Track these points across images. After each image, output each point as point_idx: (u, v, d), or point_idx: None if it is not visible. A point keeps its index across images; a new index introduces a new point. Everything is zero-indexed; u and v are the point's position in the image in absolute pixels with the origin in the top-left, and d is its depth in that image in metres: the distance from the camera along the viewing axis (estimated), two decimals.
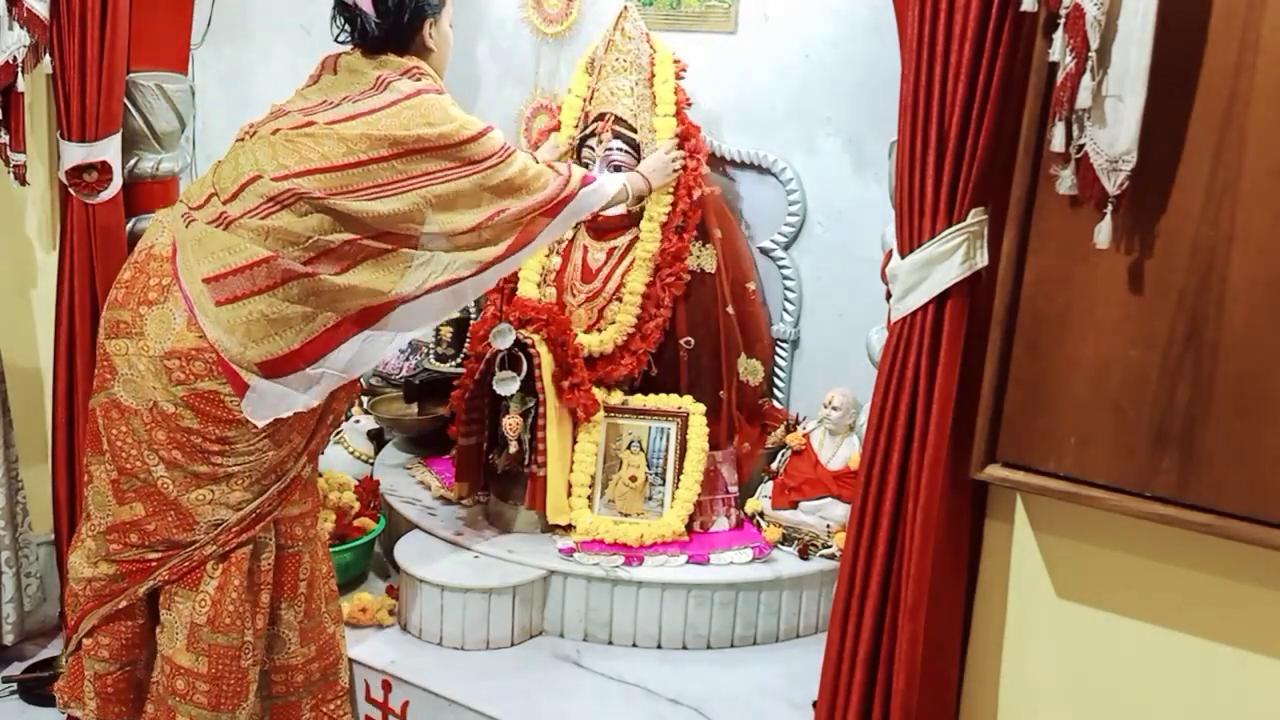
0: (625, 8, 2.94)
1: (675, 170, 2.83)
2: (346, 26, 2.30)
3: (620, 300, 2.90)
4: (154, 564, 2.16)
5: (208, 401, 2.08)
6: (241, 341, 2.07)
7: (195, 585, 2.16)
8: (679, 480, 2.80)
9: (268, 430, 2.13)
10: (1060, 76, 1.60)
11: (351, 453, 3.24)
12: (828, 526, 2.72)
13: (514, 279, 2.97)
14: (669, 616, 2.61)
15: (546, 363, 2.68)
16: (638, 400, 2.86)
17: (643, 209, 2.90)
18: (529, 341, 2.67)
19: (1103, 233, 1.63)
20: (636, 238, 2.91)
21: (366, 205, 2.12)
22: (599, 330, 2.91)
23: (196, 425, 2.09)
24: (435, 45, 2.34)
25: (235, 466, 2.13)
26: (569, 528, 2.75)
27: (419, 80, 2.25)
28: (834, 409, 2.79)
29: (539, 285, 2.97)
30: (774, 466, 2.89)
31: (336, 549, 2.74)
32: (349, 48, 2.32)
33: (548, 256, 3.01)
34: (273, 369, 2.10)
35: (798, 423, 2.98)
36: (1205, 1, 1.58)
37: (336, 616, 2.43)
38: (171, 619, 2.19)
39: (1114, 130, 1.59)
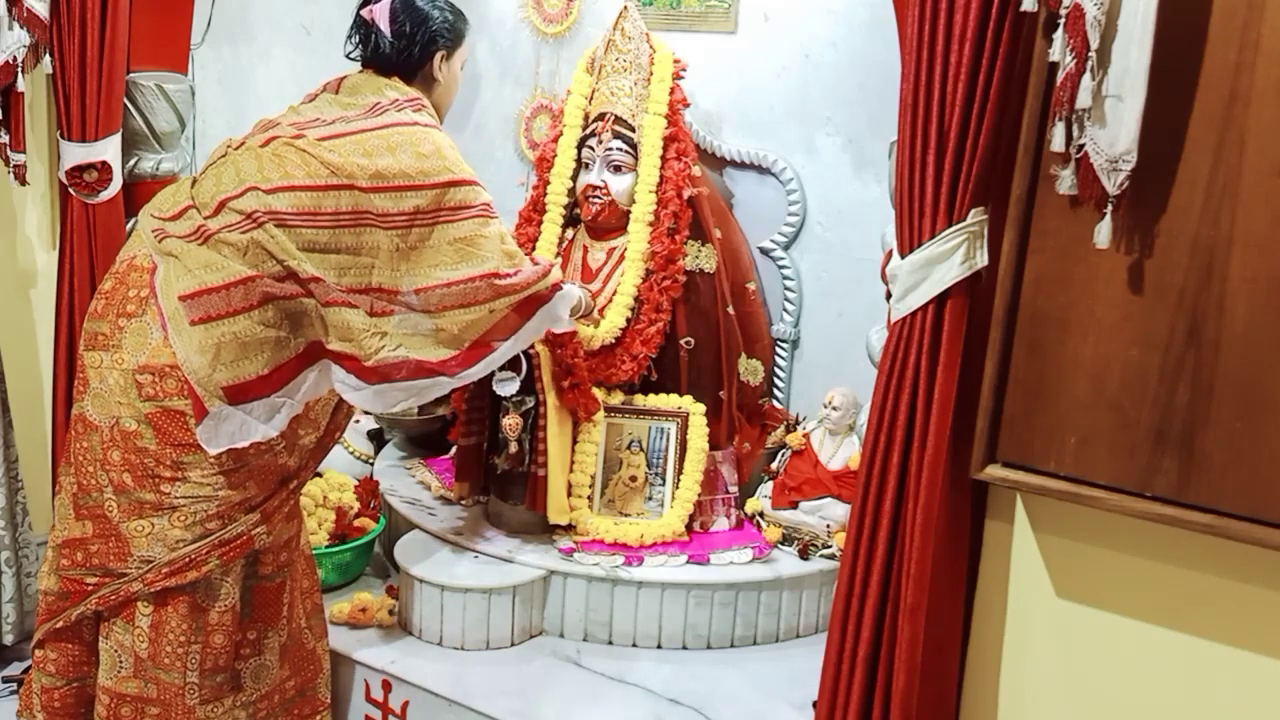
0: (625, 8, 2.94)
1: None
2: (360, 44, 2.30)
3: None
4: (90, 589, 2.12)
5: (173, 421, 2.04)
6: (211, 363, 2.03)
7: (131, 619, 2.11)
8: (679, 480, 2.80)
9: (226, 466, 2.07)
10: (1060, 76, 1.60)
11: (351, 453, 3.24)
12: (828, 526, 2.72)
13: None
14: (669, 616, 2.61)
15: (546, 363, 2.68)
16: (638, 400, 2.86)
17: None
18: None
19: (1103, 233, 1.63)
20: None
21: (333, 235, 2.08)
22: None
23: (154, 446, 2.04)
24: (443, 80, 2.34)
25: (182, 499, 2.06)
26: (569, 528, 2.75)
27: (418, 113, 2.23)
28: (834, 409, 2.79)
29: None
30: (774, 466, 2.89)
31: (337, 549, 2.74)
32: (357, 69, 2.32)
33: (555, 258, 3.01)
34: (238, 394, 2.04)
35: (798, 423, 2.98)
36: (1205, 1, 1.58)
37: (320, 632, 2.40)
38: (110, 648, 2.13)
39: (1114, 130, 1.59)
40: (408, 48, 2.27)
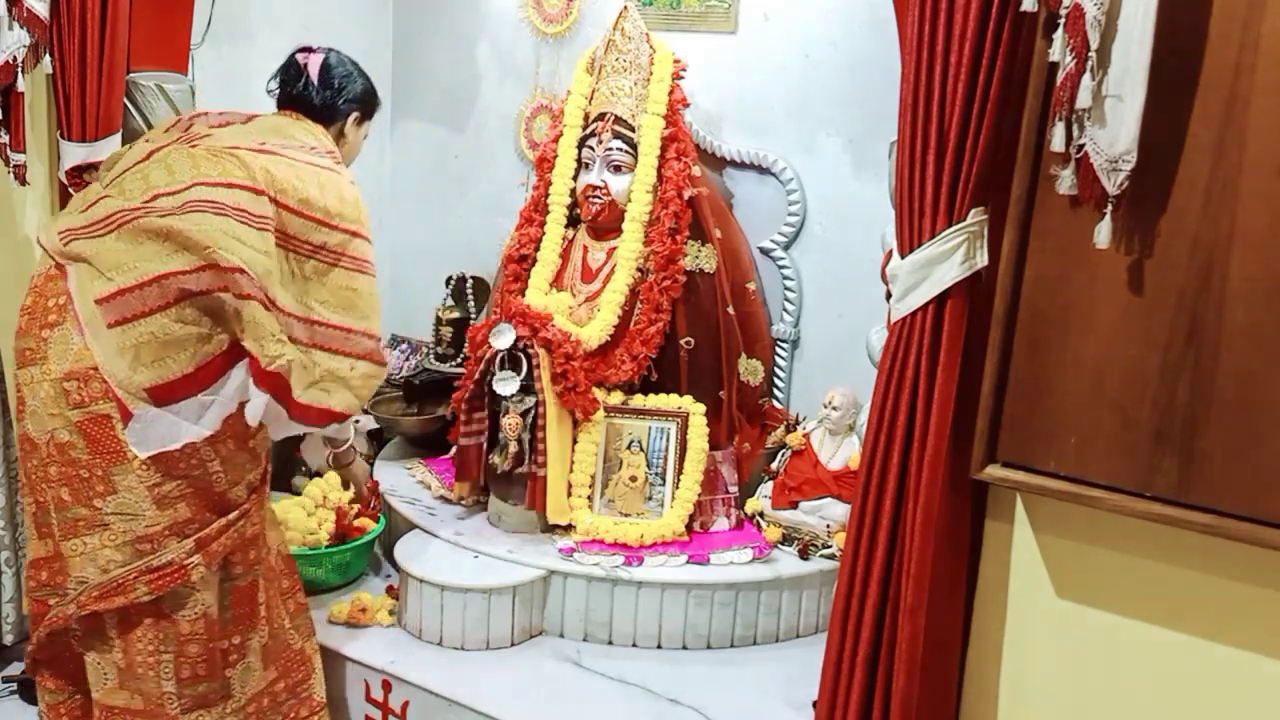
0: (625, 8, 2.94)
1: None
2: (284, 84, 2.42)
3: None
4: (50, 609, 2.13)
5: (101, 427, 2.03)
6: (131, 365, 2.01)
7: (103, 632, 2.11)
8: (679, 480, 2.80)
9: (153, 480, 2.06)
10: (1060, 76, 1.60)
11: None
12: (828, 526, 2.72)
13: (522, 287, 2.97)
14: (669, 616, 2.61)
15: (546, 363, 2.68)
16: (638, 400, 2.86)
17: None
18: (528, 342, 2.67)
19: (1103, 233, 1.63)
20: None
21: (259, 237, 2.09)
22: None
23: (86, 457, 2.04)
24: (350, 140, 2.48)
25: (112, 514, 2.05)
26: (569, 528, 2.75)
27: (339, 165, 2.34)
28: (834, 409, 2.79)
29: (546, 293, 2.96)
30: (774, 466, 2.89)
31: (337, 549, 2.74)
32: (275, 110, 2.42)
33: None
34: (163, 394, 2.03)
35: (798, 423, 2.98)
36: (1205, 1, 1.58)
37: (306, 632, 2.40)
38: (93, 661, 2.14)
39: (1114, 130, 1.59)
40: (332, 100, 2.41)
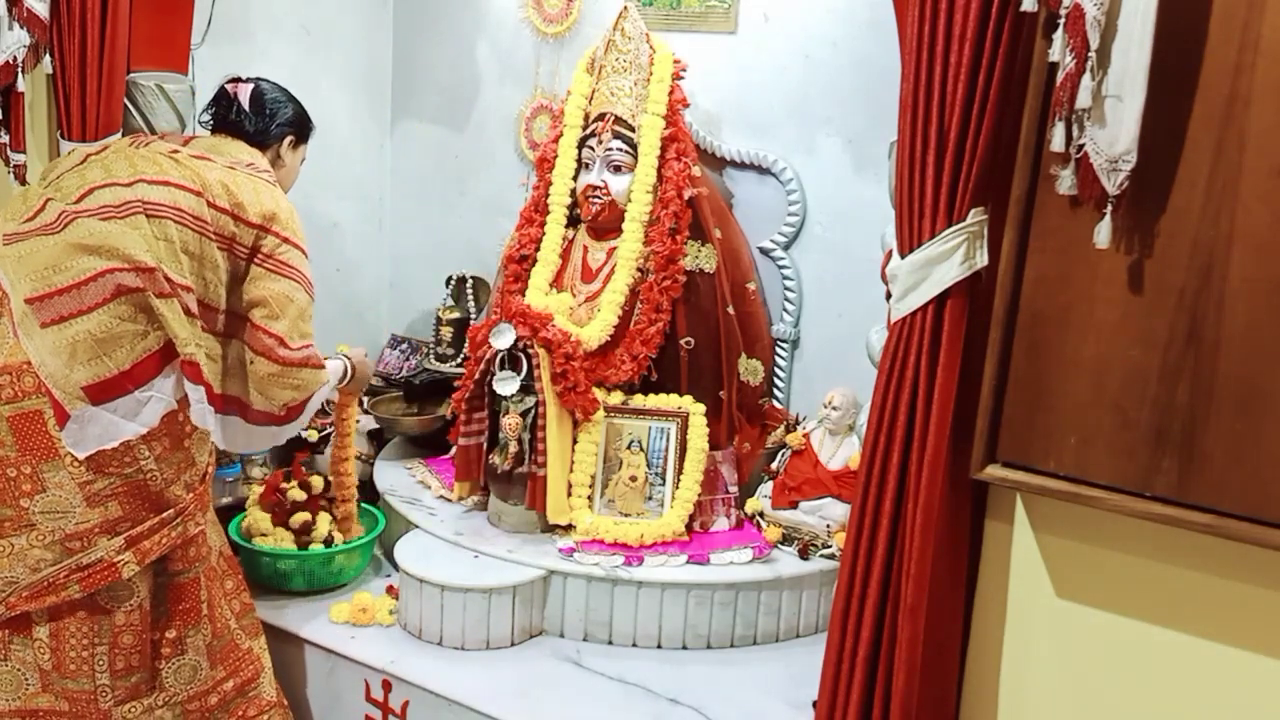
0: (625, 8, 2.94)
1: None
2: (217, 113, 2.46)
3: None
4: None
5: (31, 423, 2.02)
6: (68, 363, 2.02)
7: (28, 633, 2.09)
8: (679, 480, 2.80)
9: (83, 478, 2.05)
10: (1060, 76, 1.60)
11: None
12: (828, 526, 2.72)
13: (522, 287, 2.97)
14: (669, 616, 2.61)
15: (546, 363, 2.68)
16: (638, 400, 2.86)
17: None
18: (528, 342, 2.67)
19: (1103, 233, 1.63)
20: None
21: (192, 238, 2.15)
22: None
23: (14, 455, 2.03)
24: (286, 164, 2.53)
25: (40, 514, 2.04)
26: (569, 528, 2.75)
27: (273, 182, 2.38)
28: (834, 409, 2.79)
29: (546, 294, 2.96)
30: (774, 466, 2.89)
31: (337, 549, 2.74)
32: (218, 136, 2.46)
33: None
34: (100, 393, 2.03)
35: (798, 423, 2.98)
36: (1205, 1, 1.58)
37: (253, 631, 2.41)
38: (12, 668, 2.11)
39: (1114, 130, 1.59)
40: (265, 125, 2.46)
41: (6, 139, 2.52)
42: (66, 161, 2.30)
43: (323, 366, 2.35)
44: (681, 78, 2.95)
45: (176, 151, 2.26)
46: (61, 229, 2.09)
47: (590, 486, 2.79)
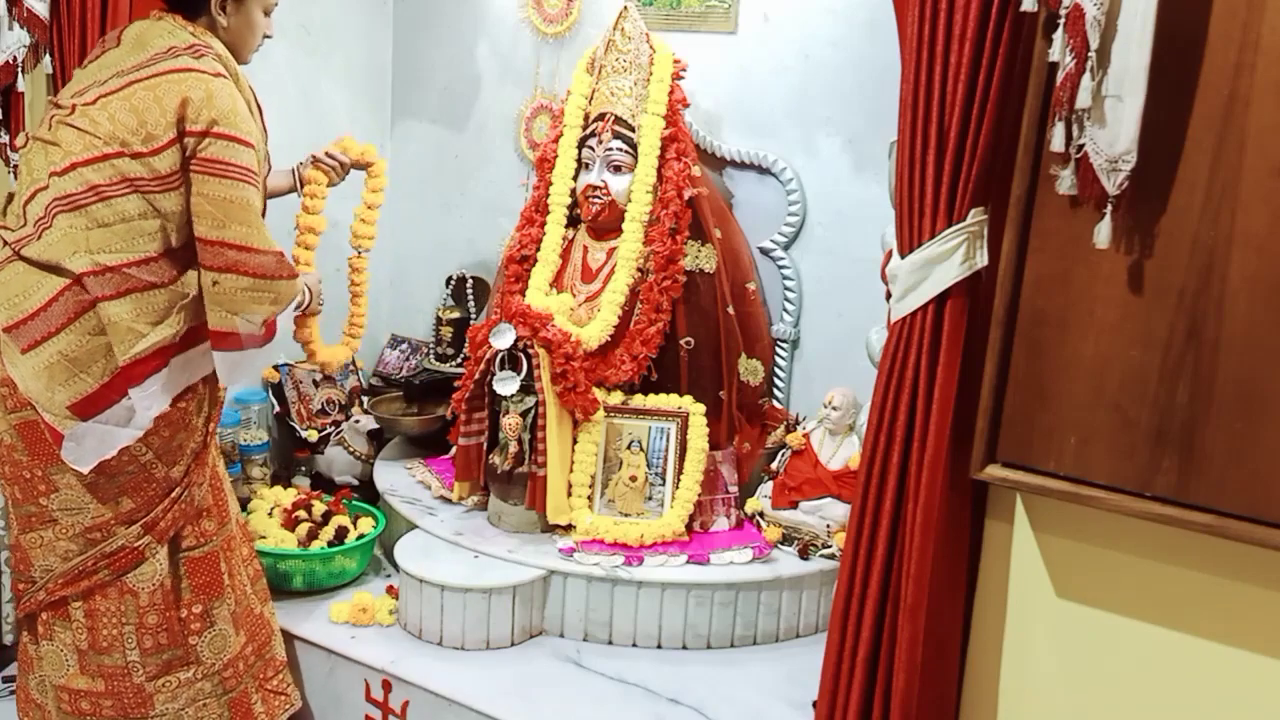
0: (625, 8, 2.94)
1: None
2: None
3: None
4: (20, 594, 2.21)
5: (34, 432, 2.08)
6: (48, 386, 2.03)
7: (66, 616, 2.19)
8: (679, 480, 2.80)
9: (89, 479, 2.10)
10: (1060, 76, 1.60)
11: (351, 453, 3.24)
12: (828, 526, 2.72)
13: (522, 287, 2.97)
14: (669, 616, 2.61)
15: (546, 363, 2.68)
16: (638, 400, 2.86)
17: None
18: (528, 342, 2.67)
19: (1103, 233, 1.63)
20: None
21: (120, 205, 2.02)
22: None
23: (26, 459, 2.09)
24: (231, 26, 2.17)
25: (58, 510, 2.12)
26: (569, 528, 2.75)
27: (199, 59, 2.07)
28: (834, 409, 2.79)
29: (546, 294, 2.96)
30: (774, 466, 2.89)
31: (336, 549, 2.74)
32: (149, 17, 2.18)
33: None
34: (86, 408, 2.05)
35: (798, 423, 2.98)
36: (1205, 1, 1.58)
37: (264, 596, 2.47)
38: (54, 649, 2.21)
39: (1114, 130, 1.59)
40: None
41: (6, 139, 2.52)
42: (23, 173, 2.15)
43: (296, 275, 2.17)
44: (681, 78, 2.95)
45: (74, 110, 2.05)
46: (19, 251, 2.08)
47: (590, 486, 2.79)
